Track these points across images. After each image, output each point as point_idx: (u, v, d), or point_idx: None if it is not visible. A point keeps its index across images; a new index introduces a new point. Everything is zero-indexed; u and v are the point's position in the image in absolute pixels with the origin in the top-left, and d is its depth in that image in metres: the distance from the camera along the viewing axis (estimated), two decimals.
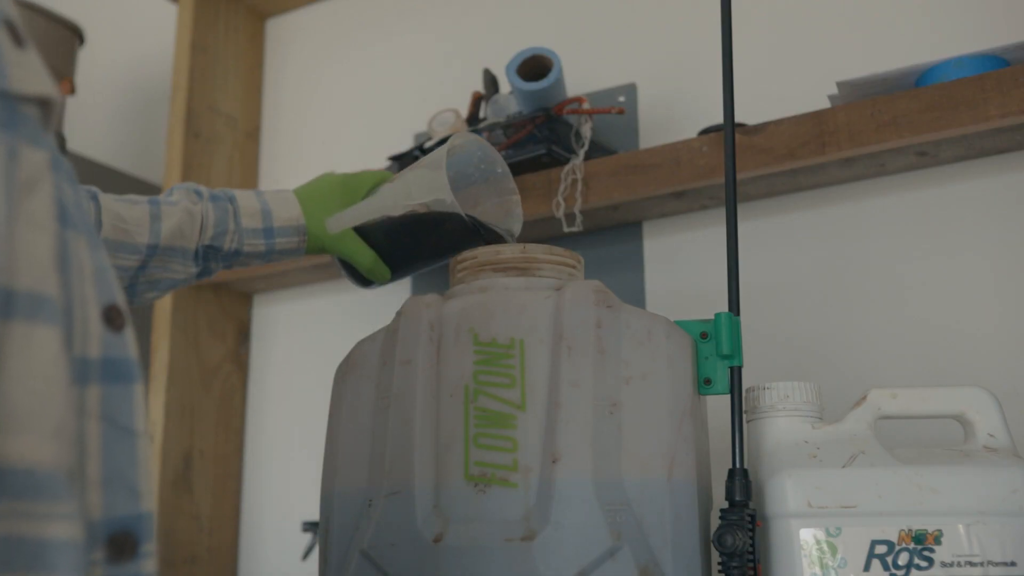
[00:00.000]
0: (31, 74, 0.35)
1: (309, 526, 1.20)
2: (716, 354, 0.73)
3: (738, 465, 0.70)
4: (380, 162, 1.31)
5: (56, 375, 0.34)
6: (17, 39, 0.35)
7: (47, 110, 0.36)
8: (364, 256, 0.88)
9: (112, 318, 0.39)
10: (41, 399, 0.33)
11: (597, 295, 0.72)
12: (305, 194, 0.89)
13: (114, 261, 0.83)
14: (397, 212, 0.86)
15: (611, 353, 0.70)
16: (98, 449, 0.37)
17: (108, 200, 0.83)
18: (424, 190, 0.84)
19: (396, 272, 0.90)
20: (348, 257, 0.88)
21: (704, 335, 0.73)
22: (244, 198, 0.87)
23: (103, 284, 0.39)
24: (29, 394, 0.33)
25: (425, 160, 0.86)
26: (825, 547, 0.67)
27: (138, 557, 0.37)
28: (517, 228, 0.88)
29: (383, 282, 0.91)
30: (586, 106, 1.06)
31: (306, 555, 1.22)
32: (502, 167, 0.88)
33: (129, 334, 0.40)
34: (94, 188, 0.83)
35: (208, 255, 0.86)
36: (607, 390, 0.69)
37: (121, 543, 0.37)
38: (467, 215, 0.82)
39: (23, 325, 0.33)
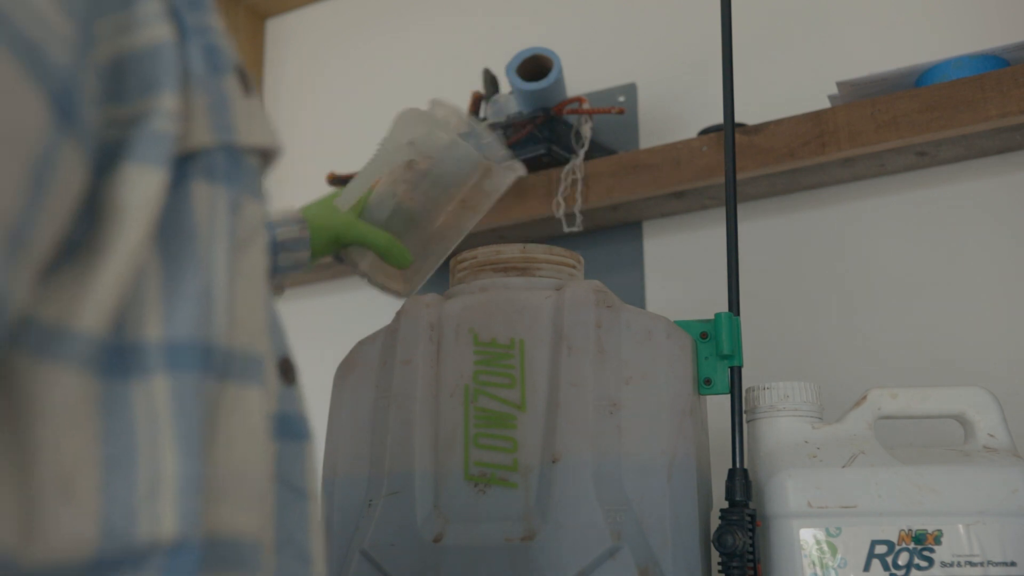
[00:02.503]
0: (256, 124, 0.34)
1: None
2: (716, 354, 0.73)
3: (738, 465, 0.70)
4: None
5: (263, 438, 0.32)
6: (245, 87, 0.34)
7: (267, 159, 0.35)
8: (379, 237, 0.84)
9: (286, 371, 0.37)
10: (249, 465, 0.31)
11: (597, 295, 0.72)
12: (303, 206, 0.87)
13: None
14: (400, 157, 0.83)
15: (611, 353, 0.70)
16: (272, 511, 0.34)
17: None
18: (411, 127, 0.82)
19: (419, 258, 0.86)
20: (363, 240, 0.84)
21: (704, 335, 0.73)
22: None
23: (278, 335, 0.37)
24: (240, 461, 0.31)
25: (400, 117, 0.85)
26: (825, 547, 0.67)
27: None
28: (521, 170, 0.86)
29: (403, 266, 0.86)
30: (586, 106, 1.06)
31: None
32: (488, 136, 0.87)
33: (299, 388, 0.38)
34: None
35: None
36: (607, 390, 0.69)
37: None
38: (471, 144, 0.80)
39: (236, 387, 0.31)
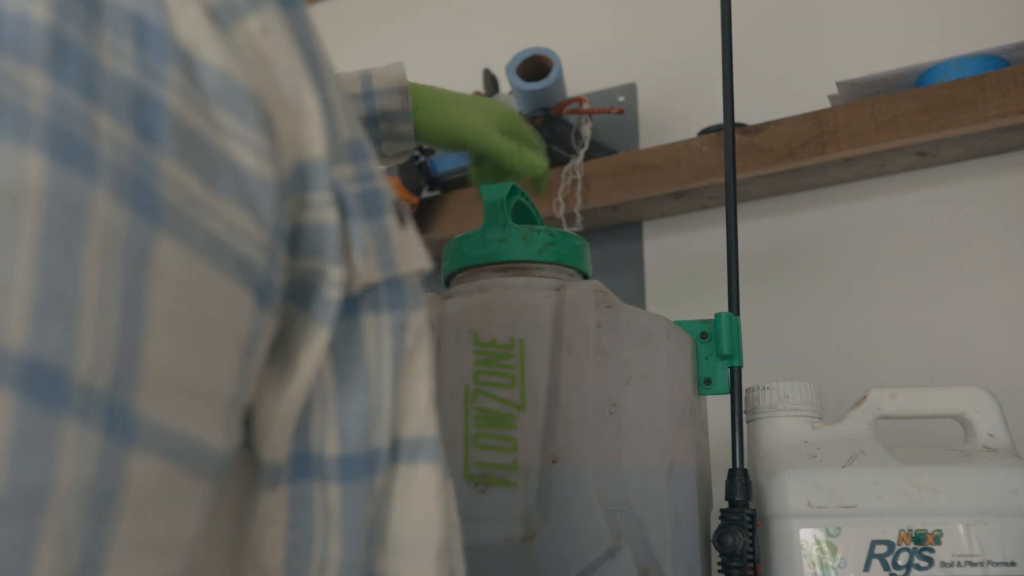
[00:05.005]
0: (413, 251, 0.39)
1: None
2: (716, 354, 0.73)
3: (738, 465, 0.70)
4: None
5: (442, 502, 0.38)
6: (401, 220, 0.39)
7: (423, 274, 0.40)
8: (505, 143, 0.78)
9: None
10: (425, 528, 0.38)
11: (597, 295, 0.72)
12: (414, 85, 0.82)
13: None
14: None
15: (611, 353, 0.70)
16: (458, 556, 0.41)
17: None
18: None
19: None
20: (485, 147, 0.79)
21: (704, 335, 0.73)
22: (345, 76, 0.80)
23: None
24: (415, 526, 0.37)
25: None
26: (825, 547, 0.67)
27: None
28: None
29: (535, 175, 0.80)
30: (586, 106, 1.06)
31: None
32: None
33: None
34: None
35: None
36: (607, 390, 0.69)
37: None
38: None
39: (406, 467, 0.38)
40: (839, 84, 0.96)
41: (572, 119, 1.08)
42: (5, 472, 0.24)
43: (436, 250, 1.22)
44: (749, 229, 1.07)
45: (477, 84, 1.21)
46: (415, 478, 0.38)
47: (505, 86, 1.16)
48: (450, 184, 1.14)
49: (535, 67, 1.05)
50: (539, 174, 0.80)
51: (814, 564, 0.67)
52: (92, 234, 0.26)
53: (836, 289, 1.03)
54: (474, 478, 0.68)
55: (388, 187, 0.38)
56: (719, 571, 0.68)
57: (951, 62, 0.92)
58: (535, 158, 0.80)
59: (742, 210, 1.08)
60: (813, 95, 1.04)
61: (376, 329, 0.37)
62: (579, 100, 1.06)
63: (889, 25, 1.08)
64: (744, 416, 0.72)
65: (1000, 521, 0.67)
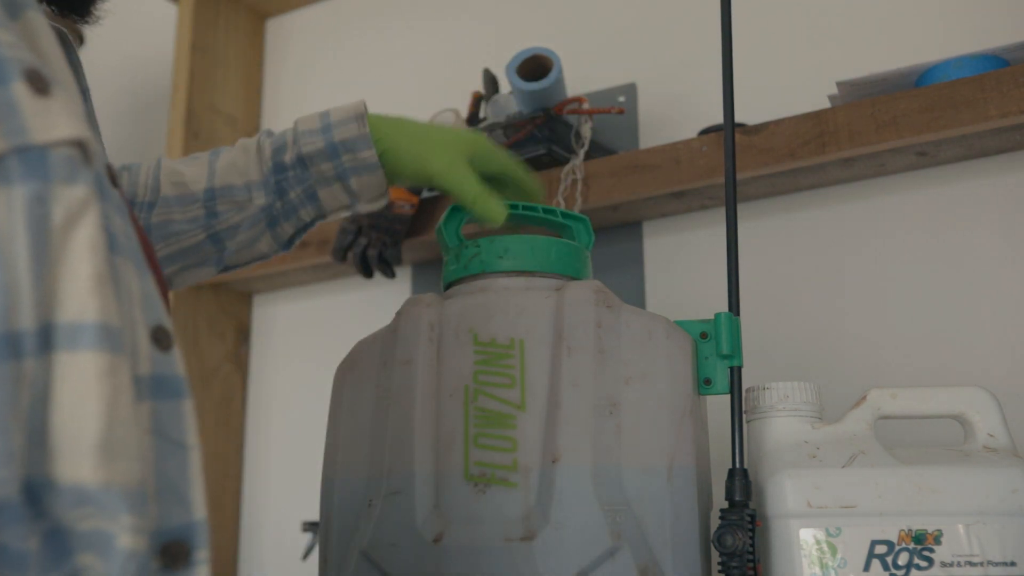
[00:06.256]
0: (58, 120, 0.37)
1: (309, 526, 1.20)
2: (716, 354, 0.73)
3: (738, 465, 0.70)
4: None
5: (103, 394, 0.36)
6: (40, 88, 0.37)
7: (84, 148, 0.38)
8: (470, 185, 0.78)
9: (160, 339, 0.41)
10: (81, 421, 0.36)
11: (597, 295, 0.72)
12: (378, 117, 0.82)
13: (180, 216, 0.82)
14: None
15: (611, 353, 0.70)
16: (151, 462, 0.39)
17: (169, 162, 0.83)
18: None
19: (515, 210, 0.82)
20: (450, 187, 0.79)
21: (704, 335, 0.73)
22: (305, 119, 0.83)
23: (150, 307, 0.41)
24: (71, 419, 0.35)
25: None
26: (825, 547, 0.67)
27: (191, 565, 0.39)
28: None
29: (493, 222, 0.79)
30: (586, 106, 1.06)
31: (306, 555, 1.22)
32: None
33: (176, 354, 0.42)
34: (160, 156, 0.84)
35: (278, 178, 0.81)
36: (607, 390, 0.69)
37: (175, 552, 0.39)
38: None
39: (67, 355, 0.36)
40: (839, 84, 0.96)
41: (572, 119, 1.08)
42: None
43: (439, 250, 1.22)
44: (749, 229, 1.07)
45: (477, 84, 1.21)
46: (72, 366, 0.36)
47: (505, 86, 1.16)
48: None
49: (535, 67, 1.05)
50: (497, 221, 0.80)
51: (814, 564, 0.67)
52: None
53: (836, 289, 1.03)
54: (474, 478, 0.68)
55: (21, 57, 0.37)
56: (719, 571, 0.68)
57: (951, 62, 0.92)
58: (495, 206, 0.79)
59: (742, 210, 1.08)
60: (813, 95, 1.04)
61: (7, 201, 0.35)
62: (579, 100, 1.06)
63: (889, 25, 1.08)
64: (744, 416, 0.72)
65: (1000, 521, 0.67)
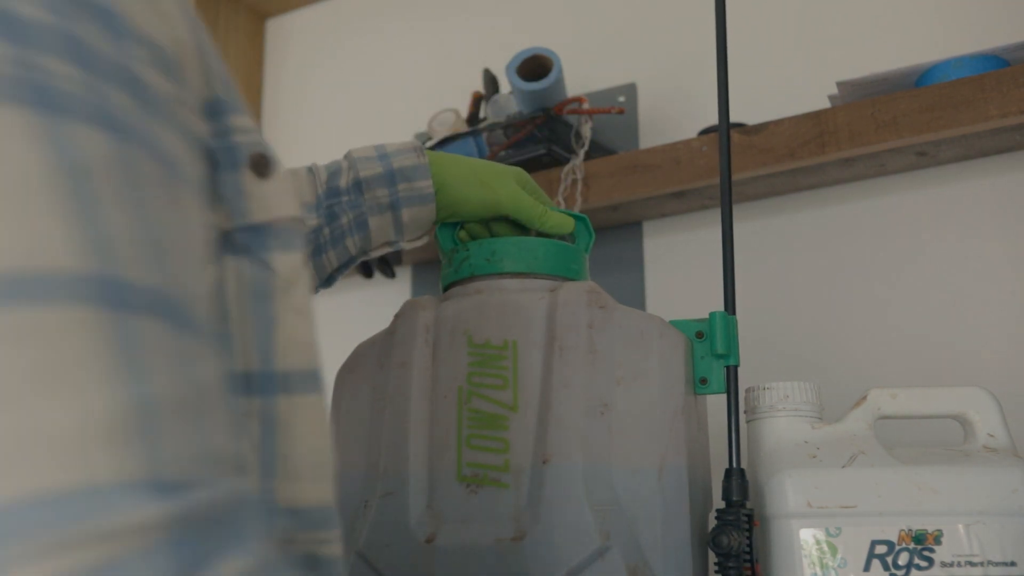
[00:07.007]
0: (272, 202, 0.42)
1: None
2: (711, 354, 0.72)
3: (734, 465, 0.70)
4: None
5: (328, 428, 0.42)
6: (261, 171, 0.42)
7: (300, 223, 0.44)
8: (534, 206, 0.81)
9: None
10: (321, 453, 0.42)
11: (590, 296, 0.72)
12: (432, 151, 0.83)
13: None
14: None
15: (603, 354, 0.70)
16: None
17: None
18: None
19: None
20: (518, 211, 0.81)
21: (700, 335, 0.73)
22: (359, 149, 0.83)
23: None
24: (311, 451, 0.41)
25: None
26: (825, 547, 0.67)
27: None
28: None
29: (560, 232, 0.82)
30: (586, 106, 1.06)
31: None
32: None
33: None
34: None
35: (330, 202, 0.80)
36: (598, 391, 0.68)
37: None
38: None
39: (299, 398, 0.42)
40: (839, 84, 0.96)
41: (572, 119, 1.08)
42: None
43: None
44: (749, 229, 1.07)
45: (477, 84, 1.21)
46: (307, 408, 0.41)
47: (505, 86, 1.16)
48: None
49: (535, 67, 1.05)
50: (567, 231, 0.83)
51: (814, 564, 0.67)
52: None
53: (836, 289, 1.03)
54: (466, 479, 0.68)
55: (250, 141, 0.42)
56: (715, 572, 0.68)
57: (951, 62, 0.92)
58: (561, 219, 0.83)
59: (742, 210, 1.08)
60: (813, 95, 1.04)
61: (236, 266, 0.41)
62: (579, 100, 1.06)
63: (889, 25, 1.08)
64: (744, 416, 0.72)
65: (1000, 521, 0.67)
